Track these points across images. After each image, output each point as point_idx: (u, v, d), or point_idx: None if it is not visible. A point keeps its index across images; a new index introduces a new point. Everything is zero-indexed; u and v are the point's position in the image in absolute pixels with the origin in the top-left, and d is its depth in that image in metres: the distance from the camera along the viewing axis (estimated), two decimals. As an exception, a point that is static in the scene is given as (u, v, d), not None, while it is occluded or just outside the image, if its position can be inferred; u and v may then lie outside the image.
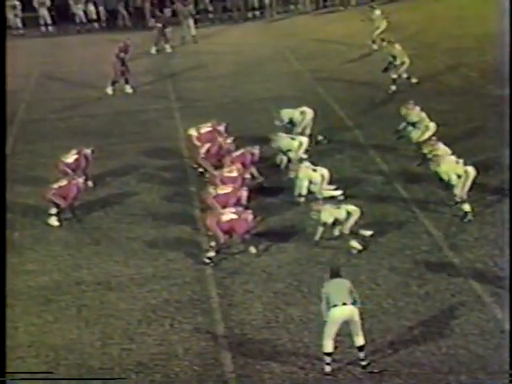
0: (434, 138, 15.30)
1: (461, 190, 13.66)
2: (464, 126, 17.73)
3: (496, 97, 19.30)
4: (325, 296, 10.10)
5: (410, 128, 16.31)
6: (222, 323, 11.34)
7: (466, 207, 13.64)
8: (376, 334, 10.67)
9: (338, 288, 10.12)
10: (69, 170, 15.38)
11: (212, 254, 12.97)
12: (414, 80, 20.84)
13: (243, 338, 10.94)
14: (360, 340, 10.15)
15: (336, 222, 12.97)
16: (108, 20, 32.32)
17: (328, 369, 10.15)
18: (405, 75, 20.70)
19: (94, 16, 32.13)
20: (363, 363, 10.15)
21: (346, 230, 12.96)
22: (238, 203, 13.77)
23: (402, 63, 20.51)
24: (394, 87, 20.37)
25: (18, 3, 31.04)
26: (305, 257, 12.92)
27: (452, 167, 13.73)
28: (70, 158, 15.77)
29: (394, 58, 20.56)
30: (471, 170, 13.72)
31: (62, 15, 32.11)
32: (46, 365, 10.61)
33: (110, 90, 21.96)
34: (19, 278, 12.79)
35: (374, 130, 17.86)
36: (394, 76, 20.44)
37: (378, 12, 25.13)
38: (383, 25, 24.71)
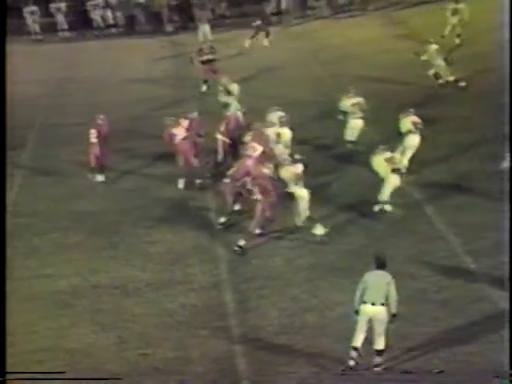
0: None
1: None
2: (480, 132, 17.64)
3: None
4: (361, 287, 10.12)
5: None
6: (237, 328, 11.34)
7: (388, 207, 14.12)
8: (393, 340, 10.62)
9: (375, 283, 10.07)
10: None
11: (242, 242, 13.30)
12: (461, 83, 20.85)
13: (259, 344, 10.93)
14: (379, 343, 10.13)
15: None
16: (126, 25, 32.49)
17: (351, 363, 10.13)
18: (451, 78, 20.79)
19: (112, 21, 32.31)
20: (377, 369, 10.12)
21: (299, 222, 13.51)
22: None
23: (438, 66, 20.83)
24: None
25: (35, 9, 31.25)
26: (321, 262, 12.91)
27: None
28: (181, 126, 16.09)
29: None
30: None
31: (80, 20, 32.31)
32: (62, 368, 10.61)
33: None
34: (38, 282, 12.86)
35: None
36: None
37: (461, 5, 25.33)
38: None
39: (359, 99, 17.52)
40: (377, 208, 14.50)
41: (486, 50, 23.80)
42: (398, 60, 21.88)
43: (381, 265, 10.28)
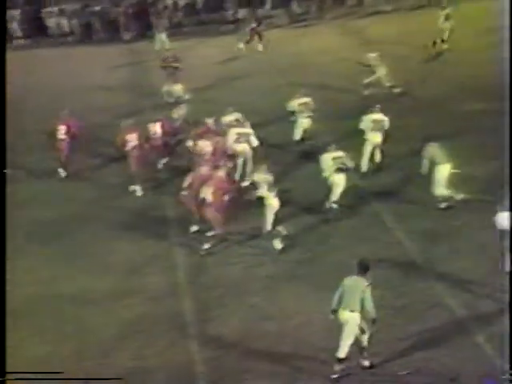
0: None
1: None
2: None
3: (472, 111, 19.43)
4: (340, 291, 10.23)
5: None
6: (197, 337, 11.32)
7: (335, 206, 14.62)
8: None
9: (351, 288, 10.16)
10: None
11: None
12: (396, 90, 21.18)
13: (219, 352, 10.93)
14: (341, 351, 10.19)
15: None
16: (82, 33, 32.25)
17: (337, 368, 10.22)
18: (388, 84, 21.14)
19: (67, 29, 32.05)
20: (334, 376, 10.17)
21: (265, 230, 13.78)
22: None
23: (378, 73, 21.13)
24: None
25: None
26: (281, 270, 12.95)
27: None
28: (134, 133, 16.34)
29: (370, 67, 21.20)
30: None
31: (34, 28, 31.99)
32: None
33: None
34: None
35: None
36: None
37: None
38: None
39: (307, 99, 18.03)
40: (327, 205, 14.76)
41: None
42: (355, 68, 22.03)
43: (361, 270, 10.34)
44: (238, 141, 16.18)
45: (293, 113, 18.15)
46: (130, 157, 16.41)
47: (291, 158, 17.48)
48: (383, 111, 16.60)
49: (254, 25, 28.19)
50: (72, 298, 12.52)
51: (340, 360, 10.22)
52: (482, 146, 16.71)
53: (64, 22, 31.93)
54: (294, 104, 18.05)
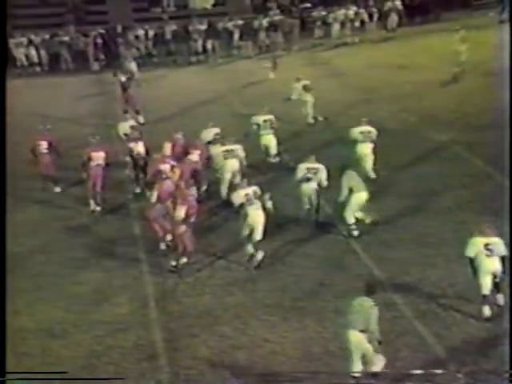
0: None
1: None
2: (406, 170, 18.10)
3: (435, 141, 19.75)
4: (348, 312, 10.33)
5: None
6: (167, 368, 11.22)
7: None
8: (323, 378, 10.65)
9: (359, 309, 10.25)
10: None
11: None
12: (320, 118, 21.79)
13: (190, 383, 10.82)
14: (376, 366, 10.23)
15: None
16: (50, 63, 32.22)
17: None
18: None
19: (36, 59, 32.00)
20: None
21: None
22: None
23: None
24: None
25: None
26: (250, 300, 12.91)
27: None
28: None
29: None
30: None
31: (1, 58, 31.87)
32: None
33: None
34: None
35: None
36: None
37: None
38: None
39: (271, 116, 18.62)
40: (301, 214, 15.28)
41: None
42: (320, 98, 22.28)
43: (368, 291, 10.45)
44: (225, 157, 16.69)
45: (258, 126, 18.59)
46: (89, 175, 16.70)
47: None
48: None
49: (277, 53, 29.61)
50: (38, 331, 12.33)
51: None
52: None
53: (32, 52, 31.87)
54: (260, 119, 18.63)
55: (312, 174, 15.21)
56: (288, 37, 33.49)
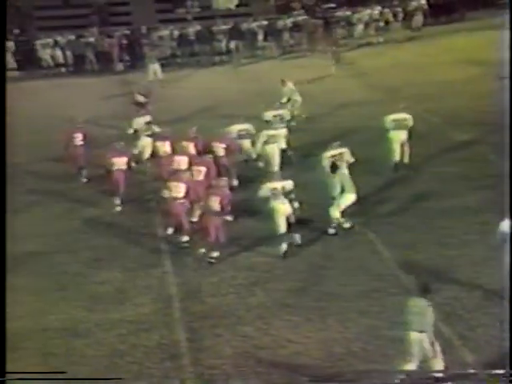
0: None
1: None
2: (428, 170, 18.00)
3: (458, 142, 19.62)
4: (405, 312, 10.28)
5: None
6: (190, 368, 11.23)
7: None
8: (345, 378, 10.63)
9: (415, 310, 10.22)
10: None
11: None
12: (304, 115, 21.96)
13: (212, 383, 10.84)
14: (437, 363, 10.21)
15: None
16: (75, 64, 32.44)
17: None
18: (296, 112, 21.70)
19: (61, 60, 32.23)
20: None
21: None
22: None
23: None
24: None
25: (-18, 49, 31.03)
26: (273, 300, 12.90)
27: None
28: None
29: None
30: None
31: (28, 60, 32.19)
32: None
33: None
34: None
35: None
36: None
37: None
38: None
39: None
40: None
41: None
42: (346, 98, 22.27)
43: (423, 291, 10.44)
44: (267, 142, 17.53)
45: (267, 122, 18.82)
46: (112, 177, 17.00)
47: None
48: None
49: (334, 48, 29.62)
50: (62, 330, 12.40)
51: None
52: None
53: (58, 53, 32.10)
54: (270, 114, 19.17)
55: (339, 161, 15.48)
56: (312, 37, 33.42)
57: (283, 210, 14.17)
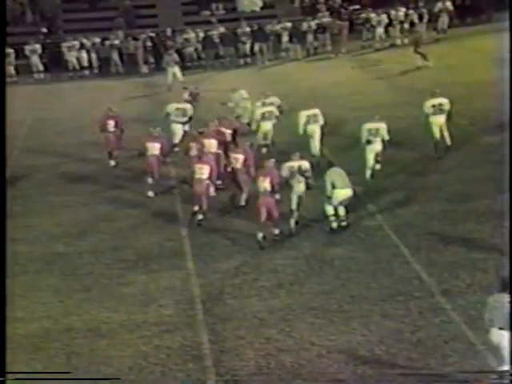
0: None
1: None
2: (455, 172, 17.87)
3: (486, 144, 19.48)
4: (489, 308, 10.17)
5: None
6: (213, 370, 11.22)
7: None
8: (369, 382, 10.57)
9: (497, 307, 10.08)
10: None
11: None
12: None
13: (235, 385, 10.85)
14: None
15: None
16: (101, 67, 32.63)
17: None
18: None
19: (87, 63, 32.44)
20: None
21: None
22: None
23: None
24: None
25: (11, 51, 31.32)
26: (296, 302, 12.86)
27: None
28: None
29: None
30: None
31: (54, 62, 32.44)
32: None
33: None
34: (9, 326, 12.58)
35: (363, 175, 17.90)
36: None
37: None
38: None
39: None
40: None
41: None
42: (371, 101, 22.17)
43: (504, 287, 10.28)
44: (307, 123, 18.67)
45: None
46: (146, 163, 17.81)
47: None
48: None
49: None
50: (86, 331, 12.46)
51: None
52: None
53: (84, 55, 32.31)
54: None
55: (373, 136, 17.28)
56: (337, 39, 33.32)
57: (298, 188, 15.31)
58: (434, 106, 18.80)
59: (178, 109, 20.29)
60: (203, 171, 15.90)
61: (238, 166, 16.61)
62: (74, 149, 21.94)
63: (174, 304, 13.10)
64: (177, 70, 28.59)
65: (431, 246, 14.38)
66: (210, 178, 16.00)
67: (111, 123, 19.83)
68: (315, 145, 18.76)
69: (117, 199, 17.95)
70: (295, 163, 15.48)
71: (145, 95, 28.03)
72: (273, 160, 15.55)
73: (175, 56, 29.34)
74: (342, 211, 15.33)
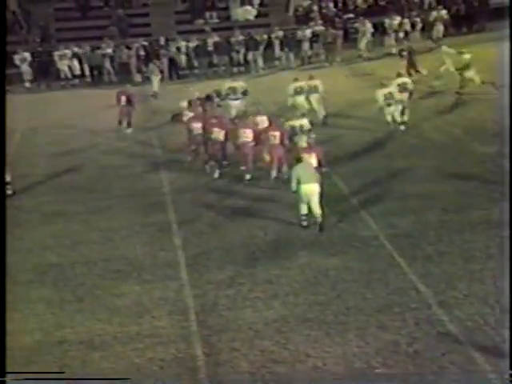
0: None
1: None
2: (450, 183, 17.79)
3: (481, 154, 19.42)
4: None
5: None
6: (207, 382, 11.07)
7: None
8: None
9: None
10: None
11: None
12: None
13: (230, 398, 10.70)
14: None
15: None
16: (93, 75, 32.52)
17: None
18: None
19: (79, 72, 32.32)
20: None
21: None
22: None
23: None
24: None
25: (2, 60, 31.18)
26: (292, 314, 12.72)
27: None
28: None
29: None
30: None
31: (45, 71, 32.29)
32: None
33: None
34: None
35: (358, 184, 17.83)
36: None
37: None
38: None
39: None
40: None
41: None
42: (367, 109, 22.12)
43: None
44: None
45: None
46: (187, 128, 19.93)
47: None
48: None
49: (404, 53, 29.46)
50: (78, 343, 12.27)
51: None
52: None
53: (76, 64, 32.18)
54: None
55: (391, 100, 20.87)
56: (331, 47, 33.30)
57: (300, 144, 17.63)
58: (399, 85, 21.44)
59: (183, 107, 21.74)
60: (247, 135, 18.28)
61: (276, 141, 18.18)
62: (67, 158, 21.79)
63: (167, 315, 12.94)
64: (157, 80, 29.11)
65: (427, 257, 14.28)
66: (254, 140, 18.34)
67: (123, 98, 23.57)
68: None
69: (109, 209, 17.80)
70: (297, 122, 18.41)
71: (138, 103, 27.83)
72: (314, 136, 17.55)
73: (161, 65, 29.67)
74: (316, 209, 15.46)
